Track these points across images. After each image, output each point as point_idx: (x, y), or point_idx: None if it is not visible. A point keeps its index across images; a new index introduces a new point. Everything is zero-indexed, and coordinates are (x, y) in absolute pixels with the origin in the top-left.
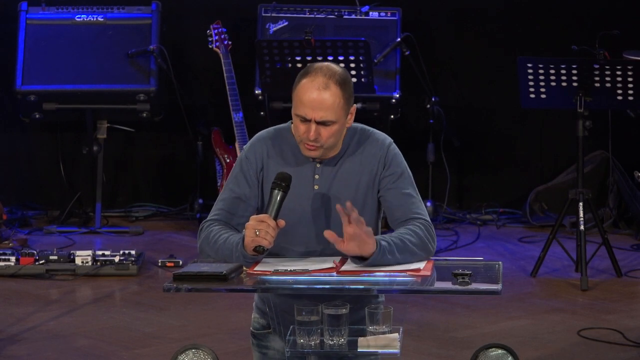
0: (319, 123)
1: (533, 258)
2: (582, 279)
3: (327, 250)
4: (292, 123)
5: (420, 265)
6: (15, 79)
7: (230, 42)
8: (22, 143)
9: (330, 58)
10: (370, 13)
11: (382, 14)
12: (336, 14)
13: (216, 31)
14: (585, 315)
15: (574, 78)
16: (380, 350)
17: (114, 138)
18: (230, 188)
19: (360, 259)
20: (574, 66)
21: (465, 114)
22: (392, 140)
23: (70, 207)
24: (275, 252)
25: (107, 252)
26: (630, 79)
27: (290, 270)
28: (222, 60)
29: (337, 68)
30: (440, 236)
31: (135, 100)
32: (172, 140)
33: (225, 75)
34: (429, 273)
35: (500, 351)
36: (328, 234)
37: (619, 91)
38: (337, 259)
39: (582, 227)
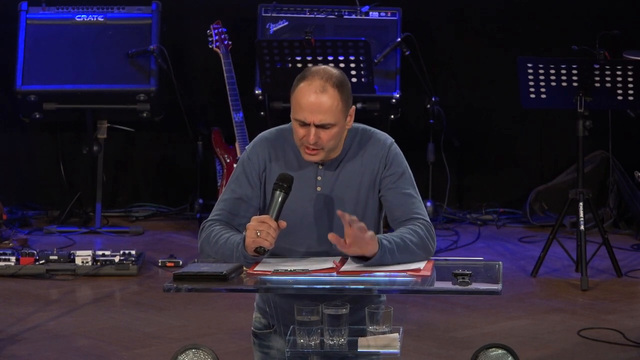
0: (318, 126)
1: (533, 258)
2: (582, 279)
3: (329, 251)
4: None
5: (420, 265)
6: (15, 79)
7: (230, 42)
8: (22, 143)
9: (330, 58)
10: (370, 13)
11: (382, 14)
12: (336, 14)
13: (216, 31)
14: (585, 315)
15: (574, 78)
16: (380, 350)
17: (114, 138)
18: (232, 189)
19: (362, 259)
20: (574, 66)
21: (465, 114)
22: (393, 140)
23: (70, 207)
24: (277, 253)
25: (107, 252)
26: (630, 79)
27: (291, 270)
28: (222, 60)
29: (334, 71)
30: (440, 236)
31: (135, 100)
32: (172, 140)
33: (225, 75)
34: (429, 273)
35: (500, 351)
36: (332, 237)
37: (619, 91)
38: (337, 259)
39: (582, 227)
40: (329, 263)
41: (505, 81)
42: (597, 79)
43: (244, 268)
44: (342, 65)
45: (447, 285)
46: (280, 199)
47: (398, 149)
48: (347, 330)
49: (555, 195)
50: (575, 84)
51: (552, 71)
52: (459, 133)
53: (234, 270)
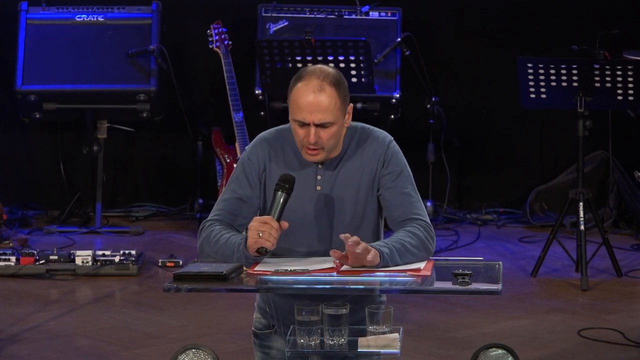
0: (317, 126)
1: (533, 258)
2: (582, 279)
3: (329, 250)
4: None
5: (420, 265)
6: (15, 79)
7: (230, 42)
8: (22, 143)
9: (330, 58)
10: (370, 13)
11: (382, 14)
12: (336, 14)
13: (216, 31)
14: (585, 315)
15: (574, 78)
16: (380, 350)
17: (114, 138)
18: (232, 189)
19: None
20: (574, 66)
21: (465, 114)
22: (392, 138)
23: (70, 207)
24: (277, 253)
25: (107, 252)
26: (630, 79)
27: (291, 270)
28: (222, 60)
29: (330, 69)
30: (440, 236)
31: (135, 100)
32: (172, 140)
33: (225, 75)
34: (429, 273)
35: (500, 351)
36: (333, 253)
37: (619, 91)
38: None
39: (582, 227)
40: (329, 263)
41: (505, 81)
42: (597, 79)
43: (244, 268)
44: (342, 65)
45: (447, 285)
46: (282, 200)
47: (397, 147)
48: (347, 330)
49: (555, 195)
50: (575, 84)
51: (552, 71)
52: (459, 133)
53: (234, 270)
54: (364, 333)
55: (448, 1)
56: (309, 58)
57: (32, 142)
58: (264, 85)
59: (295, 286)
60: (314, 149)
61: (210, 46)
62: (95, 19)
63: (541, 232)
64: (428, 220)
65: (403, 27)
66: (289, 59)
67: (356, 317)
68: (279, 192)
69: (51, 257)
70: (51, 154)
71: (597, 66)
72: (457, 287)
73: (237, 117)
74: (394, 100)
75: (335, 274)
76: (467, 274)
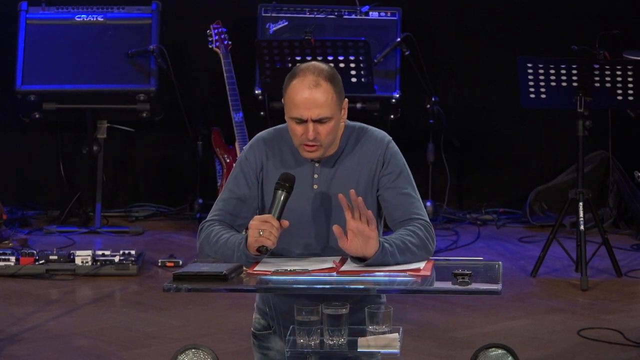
0: (315, 121)
1: (533, 258)
2: (582, 279)
3: (326, 249)
4: None
5: (420, 265)
6: (15, 79)
7: (230, 42)
8: (22, 143)
9: (330, 58)
10: (370, 13)
11: (382, 14)
12: (336, 14)
13: (216, 31)
14: (585, 315)
15: (574, 78)
16: (380, 350)
17: (114, 138)
18: (230, 189)
19: (360, 260)
20: (574, 66)
21: (465, 114)
22: (391, 138)
23: (70, 207)
24: (275, 252)
25: (107, 252)
26: (630, 79)
27: (290, 270)
28: (222, 60)
29: (324, 65)
30: (440, 236)
31: (135, 100)
32: (172, 140)
33: (225, 75)
34: (429, 273)
35: (500, 351)
36: (335, 229)
37: (619, 91)
38: (337, 258)
39: (582, 227)
40: (328, 263)
41: (505, 81)
42: (597, 79)
43: (244, 268)
44: (342, 65)
45: (447, 285)
46: (282, 199)
47: (396, 147)
48: (347, 330)
49: (555, 195)
50: (575, 84)
51: (552, 71)
52: (459, 133)
53: (234, 270)
54: (363, 333)
55: (448, 1)
56: (309, 58)
57: (32, 142)
58: (264, 85)
59: (295, 286)
60: (313, 145)
61: (210, 46)
62: (95, 19)
63: (541, 232)
64: (428, 220)
65: (403, 27)
66: (289, 59)
67: (356, 317)
68: (279, 191)
69: (51, 257)
70: (51, 154)
71: (597, 66)
72: (457, 287)
73: (236, 117)
74: (393, 100)
75: (335, 274)
76: (467, 274)
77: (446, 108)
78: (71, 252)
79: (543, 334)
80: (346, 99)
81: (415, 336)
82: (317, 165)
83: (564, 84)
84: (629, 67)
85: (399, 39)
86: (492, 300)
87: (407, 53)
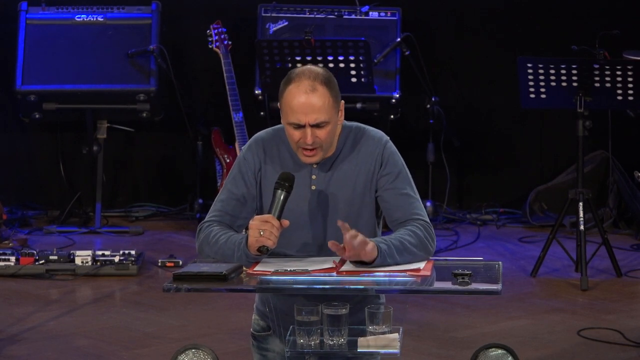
0: (313, 126)
1: (533, 258)
2: (582, 279)
3: (323, 249)
4: None
5: (420, 265)
6: (15, 79)
7: (230, 42)
8: (22, 143)
9: (330, 58)
10: (370, 13)
11: (382, 14)
12: (336, 14)
13: (216, 31)
14: (585, 315)
15: (574, 78)
16: (380, 350)
17: (114, 138)
18: (229, 189)
19: (361, 263)
20: (574, 66)
21: (465, 114)
22: (388, 138)
23: (70, 207)
24: (272, 252)
25: (107, 252)
26: (630, 79)
27: (290, 271)
28: (222, 60)
29: (319, 69)
30: (440, 236)
31: (135, 100)
32: (172, 140)
33: (225, 75)
34: (429, 273)
35: (500, 351)
36: (331, 245)
37: (619, 91)
38: (337, 259)
39: (582, 227)
40: (328, 263)
41: (505, 81)
42: (597, 79)
43: (244, 268)
44: (342, 65)
45: (447, 285)
46: (282, 198)
47: (393, 147)
48: (346, 331)
49: (555, 195)
50: (575, 84)
51: (552, 71)
52: (459, 133)
53: (233, 270)
54: (364, 333)
55: (448, 1)
56: (309, 58)
57: (32, 142)
58: (264, 85)
59: (294, 286)
60: (311, 150)
61: (210, 46)
62: (95, 19)
63: (541, 232)
64: (428, 220)
65: (403, 27)
66: (289, 59)
67: (356, 317)
68: (279, 191)
69: (51, 257)
70: (51, 154)
71: (596, 66)
72: (457, 287)
73: (236, 117)
74: (393, 100)
75: (335, 274)
76: (467, 274)
77: (446, 108)
78: (71, 252)
79: (543, 334)
80: (342, 101)
81: (415, 336)
82: (314, 166)
83: (564, 84)
84: (629, 67)
85: (399, 39)
86: (492, 300)
87: (407, 53)
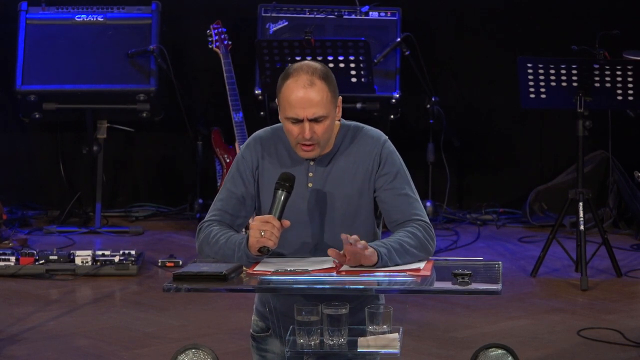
0: (311, 121)
1: (533, 258)
2: (582, 279)
3: (320, 247)
4: None
5: (420, 265)
6: (15, 79)
7: (230, 42)
8: (22, 143)
9: (330, 58)
10: (370, 13)
11: (382, 14)
12: (336, 14)
13: (216, 31)
14: (585, 315)
15: (574, 78)
16: (380, 350)
17: (114, 138)
18: (228, 188)
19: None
20: (574, 66)
21: (465, 114)
22: (387, 138)
23: (70, 207)
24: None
25: (107, 252)
26: (630, 79)
27: (290, 270)
28: (222, 60)
29: (317, 64)
30: (440, 236)
31: (135, 100)
32: (172, 140)
33: (225, 75)
34: (429, 273)
35: (500, 351)
36: (331, 252)
37: (619, 91)
38: None
39: (582, 227)
40: (328, 263)
41: (505, 81)
42: (597, 79)
43: (244, 268)
44: (342, 65)
45: (447, 285)
46: (282, 199)
47: (392, 147)
48: (346, 331)
49: (555, 195)
50: (575, 84)
51: (552, 71)
52: (459, 133)
53: (233, 270)
54: (364, 333)
55: (448, 1)
56: (309, 58)
57: (32, 142)
58: (264, 85)
59: (294, 286)
60: (309, 145)
61: (210, 46)
62: (95, 19)
63: (541, 232)
64: (428, 220)
65: (403, 27)
66: (289, 59)
67: (356, 317)
68: (280, 191)
69: (51, 257)
70: (51, 154)
71: (596, 66)
72: (457, 287)
73: (236, 117)
74: (393, 100)
75: (335, 274)
76: (467, 274)
77: (446, 108)
78: (71, 252)
79: (543, 334)
80: (340, 97)
81: (415, 336)
82: (311, 163)
83: (564, 84)
84: (629, 67)
85: (399, 39)
86: (492, 300)
87: (407, 53)
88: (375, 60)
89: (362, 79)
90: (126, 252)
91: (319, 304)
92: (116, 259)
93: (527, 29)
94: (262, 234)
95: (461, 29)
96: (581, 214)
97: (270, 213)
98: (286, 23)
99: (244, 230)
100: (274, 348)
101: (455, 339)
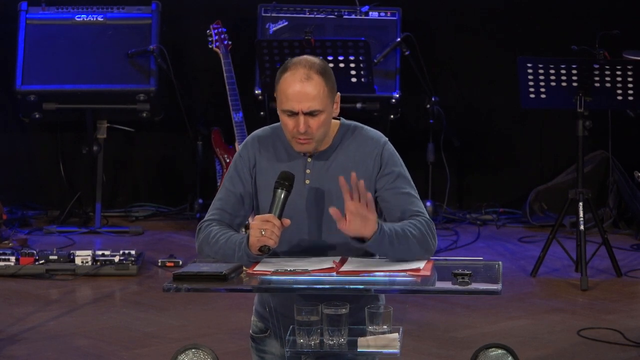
0: (306, 114)
1: (533, 258)
2: (582, 279)
3: (318, 244)
4: None
5: (420, 265)
6: (15, 79)
7: (230, 42)
8: (22, 143)
9: (330, 58)
10: (370, 13)
11: (382, 14)
12: (336, 14)
13: (216, 31)
14: (585, 315)
15: (574, 78)
16: (380, 350)
17: (114, 138)
18: (226, 187)
19: (359, 241)
20: (574, 66)
21: (465, 114)
22: (387, 139)
23: (70, 207)
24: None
25: (107, 252)
26: (630, 79)
27: (290, 270)
28: (222, 60)
29: (316, 59)
30: (440, 236)
31: (135, 100)
32: (172, 140)
33: (225, 75)
34: (429, 273)
35: (500, 351)
36: (333, 211)
37: (619, 91)
38: (337, 259)
39: (582, 227)
40: (328, 263)
41: (505, 81)
42: (597, 79)
43: (244, 268)
44: (342, 65)
45: (447, 285)
46: (282, 197)
47: (392, 148)
48: (346, 330)
49: (555, 195)
50: (575, 84)
51: (552, 71)
52: (459, 133)
53: (233, 270)
54: (364, 333)
55: (448, 1)
56: None
57: (32, 142)
58: (264, 85)
59: (295, 286)
60: (305, 139)
61: (210, 46)
62: (95, 19)
63: (541, 232)
64: (429, 218)
65: (403, 27)
66: (289, 59)
67: (356, 317)
68: (279, 190)
69: (51, 257)
70: (51, 154)
71: (596, 66)
72: (457, 287)
73: (236, 117)
74: (393, 100)
75: (335, 274)
76: (467, 274)
77: (446, 108)
78: (71, 252)
79: (543, 334)
80: (339, 93)
81: (415, 336)
82: (309, 160)
83: (564, 84)
84: (629, 67)
85: (399, 39)
86: (492, 300)
87: (407, 53)
88: (375, 60)
89: (362, 79)
90: (126, 252)
91: (318, 304)
92: (116, 259)
93: (527, 29)
94: (263, 233)
95: (461, 29)
96: (581, 214)
97: (270, 212)
98: (286, 23)
99: (243, 229)
100: (272, 349)
101: (455, 339)
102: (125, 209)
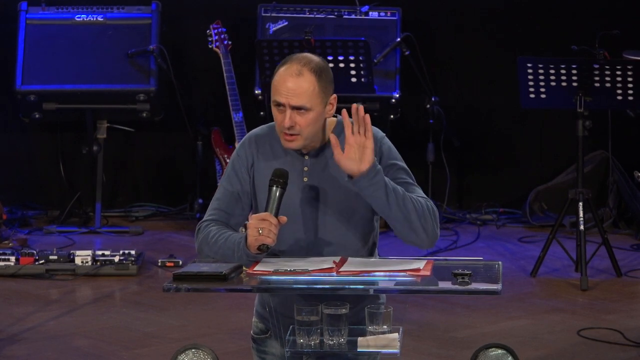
0: (294, 109)
1: (533, 258)
2: (582, 279)
3: (316, 242)
4: None
5: (420, 265)
6: (15, 79)
7: (230, 42)
8: (22, 143)
9: (330, 58)
10: (370, 13)
11: (382, 14)
12: (336, 14)
13: (216, 31)
14: (585, 315)
15: (574, 78)
16: (380, 350)
17: (114, 138)
18: (224, 186)
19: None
20: (574, 66)
21: (465, 114)
22: (384, 135)
23: (70, 207)
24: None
25: (107, 252)
26: (630, 79)
27: (290, 270)
28: (222, 60)
29: (315, 58)
30: (440, 236)
31: (135, 100)
32: (172, 140)
33: (225, 75)
34: (429, 273)
35: (500, 351)
36: (332, 138)
37: (619, 91)
38: (337, 258)
39: (582, 227)
40: (328, 263)
41: (505, 81)
42: (597, 79)
43: (244, 268)
44: (342, 65)
45: (447, 285)
46: (277, 195)
47: (389, 142)
48: (346, 330)
49: (555, 195)
50: (575, 84)
51: (552, 71)
52: (459, 133)
53: (233, 270)
54: (364, 333)
55: (448, 1)
56: None
57: (32, 142)
58: (264, 85)
59: (295, 286)
60: (291, 135)
61: (210, 46)
62: (94, 19)
63: (541, 232)
64: (433, 204)
65: (403, 27)
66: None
67: (356, 317)
68: (274, 188)
69: (51, 257)
70: (51, 154)
71: (596, 66)
72: (457, 287)
73: (236, 117)
74: (393, 100)
75: (335, 274)
76: (467, 274)
77: (446, 108)
78: (71, 252)
79: (543, 334)
80: (335, 95)
81: (415, 336)
82: (307, 158)
83: (563, 84)
84: (629, 67)
85: (399, 39)
86: (492, 300)
87: (407, 53)
88: (375, 60)
89: (362, 79)
90: (126, 252)
91: (318, 304)
92: (116, 259)
93: (527, 29)
94: (260, 231)
95: (461, 29)
96: (581, 214)
97: (266, 210)
98: (286, 23)
99: (243, 229)
100: (273, 350)
101: (455, 339)
102: (125, 209)
